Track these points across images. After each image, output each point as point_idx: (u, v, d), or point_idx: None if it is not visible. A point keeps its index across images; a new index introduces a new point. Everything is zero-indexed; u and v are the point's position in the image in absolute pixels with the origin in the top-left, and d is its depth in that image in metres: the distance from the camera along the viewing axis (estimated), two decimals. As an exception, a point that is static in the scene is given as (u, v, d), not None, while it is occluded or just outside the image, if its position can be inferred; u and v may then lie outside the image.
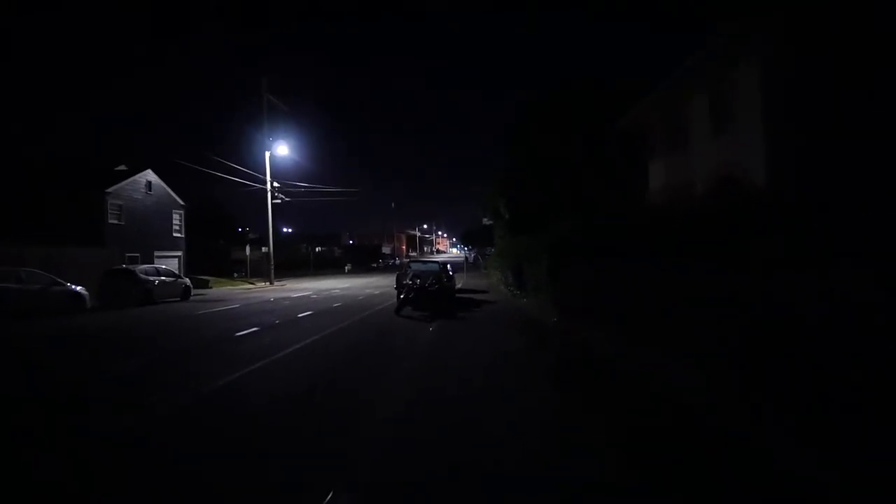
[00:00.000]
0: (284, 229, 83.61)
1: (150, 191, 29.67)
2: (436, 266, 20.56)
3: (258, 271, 39.06)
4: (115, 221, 26.89)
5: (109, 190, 26.38)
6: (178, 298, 21.70)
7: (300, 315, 14.54)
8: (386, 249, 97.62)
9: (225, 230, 56.18)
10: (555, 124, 23.39)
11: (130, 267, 19.98)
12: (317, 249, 79.23)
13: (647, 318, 6.00)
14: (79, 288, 16.90)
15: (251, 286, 34.22)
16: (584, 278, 8.86)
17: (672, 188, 16.42)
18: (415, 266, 20.82)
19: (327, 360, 7.79)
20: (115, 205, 26.86)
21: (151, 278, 20.23)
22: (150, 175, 29.76)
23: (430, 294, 15.10)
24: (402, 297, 14.73)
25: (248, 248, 39.64)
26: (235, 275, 43.39)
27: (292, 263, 60.53)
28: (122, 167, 29.34)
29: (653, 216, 7.24)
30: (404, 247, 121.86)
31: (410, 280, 15.53)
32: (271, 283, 36.04)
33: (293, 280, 41.91)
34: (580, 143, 22.33)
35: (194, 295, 25.26)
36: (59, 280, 16.39)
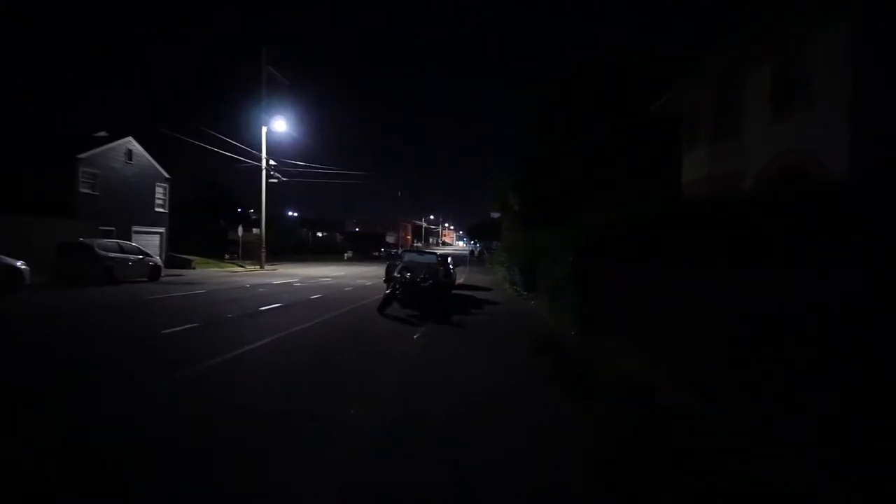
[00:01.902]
0: (290, 213, 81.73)
1: (130, 160, 27.21)
2: (433, 258, 18.11)
3: (254, 254, 36.67)
4: (88, 191, 24.51)
5: (82, 156, 23.94)
6: (146, 279, 19.45)
7: (263, 308, 12.15)
8: (390, 238, 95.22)
9: (227, 210, 53.91)
10: (581, 107, 20.82)
11: (87, 241, 17.65)
12: (318, 235, 77.08)
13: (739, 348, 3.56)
14: (19, 263, 14.58)
15: (239, 269, 31.97)
16: (627, 284, 6.42)
17: (715, 180, 14.05)
18: (408, 256, 18.38)
19: (247, 385, 5.40)
20: (89, 173, 24.45)
21: (112, 255, 17.93)
22: (131, 143, 27.29)
23: (422, 291, 12.69)
24: (388, 292, 12.33)
25: (240, 229, 37.29)
26: (227, 256, 41.24)
27: (291, 248, 58.39)
28: (103, 133, 26.94)
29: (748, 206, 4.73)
30: (409, 237, 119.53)
31: (399, 273, 13.11)
32: (262, 267, 33.81)
33: (287, 265, 39.75)
34: (609, 129, 19.74)
35: (169, 276, 23.05)
36: (-6, 252, 14.08)
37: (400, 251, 18.08)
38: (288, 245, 58.14)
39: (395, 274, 13.26)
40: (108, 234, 24.59)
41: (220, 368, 6.07)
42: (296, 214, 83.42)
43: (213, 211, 50.78)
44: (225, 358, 6.55)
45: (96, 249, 17.35)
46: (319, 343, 7.92)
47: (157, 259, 20.63)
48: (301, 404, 4.79)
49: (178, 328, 8.70)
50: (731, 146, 13.85)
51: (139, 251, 19.73)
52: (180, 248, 36.41)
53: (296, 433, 4.02)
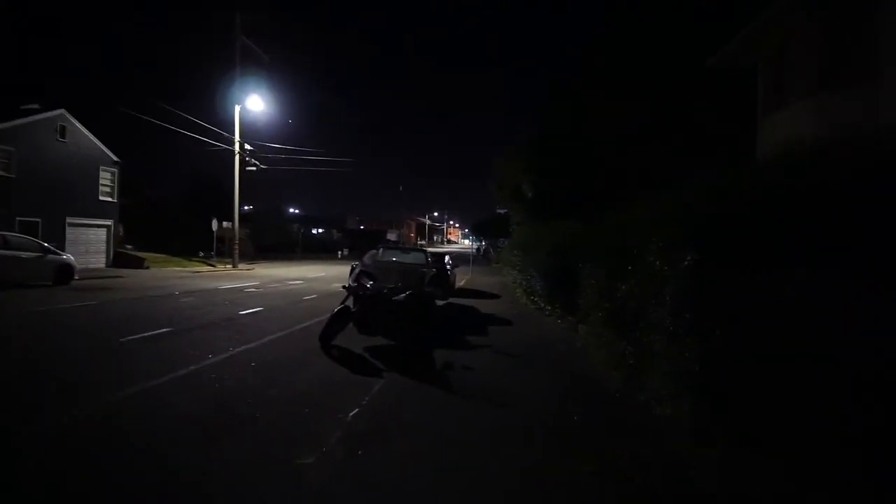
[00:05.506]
0: (291, 210, 77.49)
1: (63, 137, 22.44)
2: (420, 257, 13.46)
3: (239, 251, 31.82)
4: (2, 173, 19.92)
5: (-10, 129, 19.36)
6: (49, 282, 14.87)
7: (132, 338, 7.45)
8: (391, 236, 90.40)
9: (217, 205, 49.21)
10: (611, 74, 16.40)
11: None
12: (314, 231, 72.49)
13: None
14: None
15: (205, 269, 27.38)
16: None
17: (829, 139, 9.30)
18: (380, 256, 13.70)
19: None
20: (3, 151, 19.86)
21: (-11, 251, 13.39)
22: (65, 118, 22.51)
23: (393, 309, 7.93)
24: (338, 308, 7.71)
25: (214, 223, 32.65)
26: (202, 254, 36.75)
27: (283, 245, 53.74)
28: (34, 105, 22.33)
29: None
30: (413, 234, 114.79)
31: (357, 280, 8.44)
32: (234, 267, 29.30)
33: (269, 264, 35.37)
34: (651, 93, 15.14)
35: (96, 277, 18.60)
36: None
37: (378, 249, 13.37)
38: (280, 242, 53.49)
39: (351, 283, 8.60)
40: (33, 226, 20.08)
41: None
42: (297, 212, 79.04)
43: (201, 205, 46.16)
44: None
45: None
46: (104, 457, 3.24)
47: (67, 258, 16.00)
48: None
49: None
50: (849, 94, 9.36)
51: (39, 247, 15.12)
52: (164, 245, 33.31)
53: None
